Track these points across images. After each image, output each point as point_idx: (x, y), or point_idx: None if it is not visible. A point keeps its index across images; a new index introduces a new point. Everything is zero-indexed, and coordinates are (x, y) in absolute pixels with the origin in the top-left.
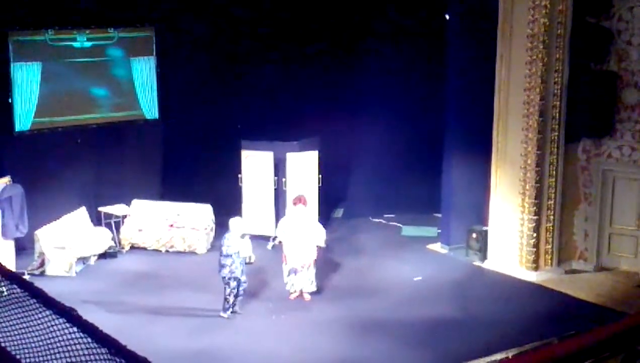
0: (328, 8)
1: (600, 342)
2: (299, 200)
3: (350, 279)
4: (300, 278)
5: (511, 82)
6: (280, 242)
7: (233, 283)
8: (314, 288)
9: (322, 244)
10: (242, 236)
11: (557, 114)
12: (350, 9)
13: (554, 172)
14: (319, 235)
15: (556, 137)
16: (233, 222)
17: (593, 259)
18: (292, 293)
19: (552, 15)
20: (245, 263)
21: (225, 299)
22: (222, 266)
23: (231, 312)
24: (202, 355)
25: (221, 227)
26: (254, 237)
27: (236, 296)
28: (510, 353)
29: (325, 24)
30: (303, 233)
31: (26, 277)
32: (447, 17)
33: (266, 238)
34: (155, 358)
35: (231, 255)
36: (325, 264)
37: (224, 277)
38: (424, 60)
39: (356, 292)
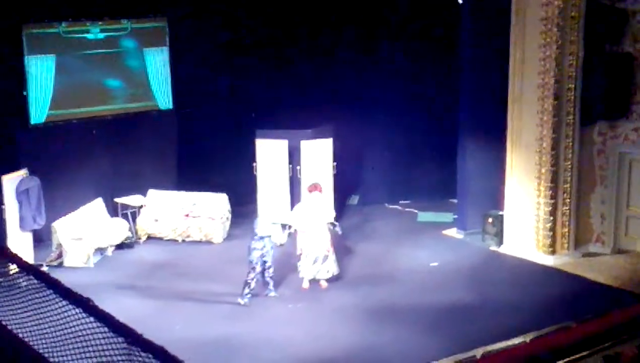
0: None
1: (617, 325)
2: (315, 187)
3: (366, 266)
4: (327, 263)
5: (525, 65)
6: (295, 231)
7: (259, 268)
8: (337, 271)
9: (332, 219)
10: (273, 223)
11: (572, 97)
12: None
13: (570, 155)
14: (328, 214)
15: (571, 120)
16: (263, 208)
17: (610, 242)
18: (306, 281)
19: None
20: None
21: (247, 284)
22: (252, 249)
23: (272, 294)
24: (218, 343)
25: (237, 216)
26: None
27: (264, 283)
28: (528, 338)
29: (338, 13)
30: (321, 221)
31: (44, 268)
32: (460, 1)
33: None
34: (172, 347)
35: (263, 238)
36: (341, 251)
37: (251, 261)
38: (438, 46)
39: (372, 278)
